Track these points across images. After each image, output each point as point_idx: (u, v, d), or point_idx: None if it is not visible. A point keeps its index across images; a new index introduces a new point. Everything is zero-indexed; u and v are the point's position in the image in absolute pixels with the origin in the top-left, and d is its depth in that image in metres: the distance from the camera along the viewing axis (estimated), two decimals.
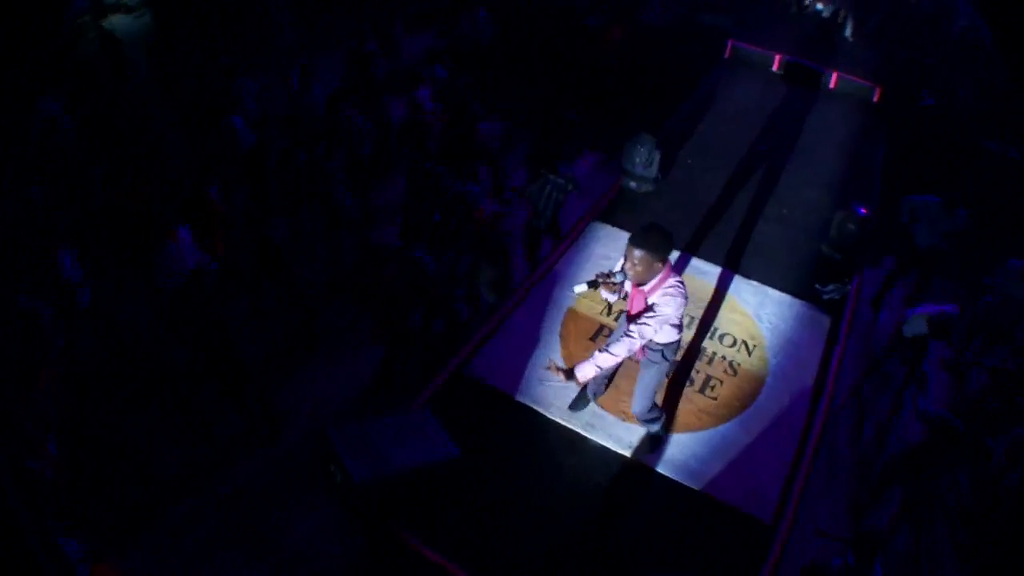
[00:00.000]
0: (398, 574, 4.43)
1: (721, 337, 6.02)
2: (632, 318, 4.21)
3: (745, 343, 5.98)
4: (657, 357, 4.43)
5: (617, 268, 4.24)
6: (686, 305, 4.16)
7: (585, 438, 5.10)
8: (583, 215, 7.33)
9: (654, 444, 5.03)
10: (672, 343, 4.39)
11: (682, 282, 4.11)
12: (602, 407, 5.28)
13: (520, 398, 5.31)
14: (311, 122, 7.87)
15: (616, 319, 5.74)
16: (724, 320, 6.19)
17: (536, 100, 9.43)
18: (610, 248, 6.80)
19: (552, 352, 5.65)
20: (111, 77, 8.55)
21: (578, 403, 5.25)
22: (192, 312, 5.29)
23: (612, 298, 4.32)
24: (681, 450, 5.07)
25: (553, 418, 5.20)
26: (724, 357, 5.82)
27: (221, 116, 7.17)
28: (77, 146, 6.93)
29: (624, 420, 5.17)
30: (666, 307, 4.02)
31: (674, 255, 5.80)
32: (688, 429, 5.22)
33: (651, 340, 4.19)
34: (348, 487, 4.01)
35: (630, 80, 9.82)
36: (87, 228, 6.32)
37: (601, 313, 6.02)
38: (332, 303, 6.47)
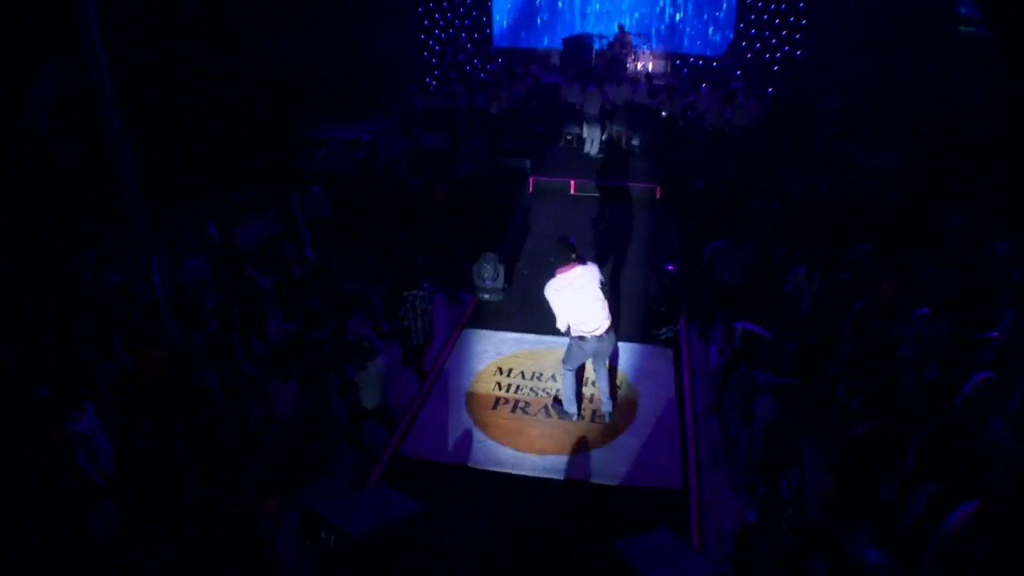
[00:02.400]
0: None
1: (593, 383, 7.49)
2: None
3: (618, 382, 7.49)
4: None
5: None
6: (560, 292, 6.20)
7: (516, 475, 6.24)
8: (454, 327, 8.74)
9: (572, 466, 6.28)
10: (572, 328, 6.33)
11: (566, 275, 6.22)
12: (519, 450, 6.48)
13: (449, 460, 6.41)
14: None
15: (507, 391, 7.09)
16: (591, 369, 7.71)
17: (388, 254, 10.99)
18: (483, 344, 8.23)
19: (465, 423, 6.85)
20: None
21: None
22: None
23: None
24: (595, 463, 6.34)
25: (480, 467, 6.34)
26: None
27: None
28: None
29: (540, 454, 6.40)
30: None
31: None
32: (594, 447, 6.53)
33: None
34: (345, 546, 4.84)
35: (457, 222, 11.71)
36: None
37: (493, 389, 7.33)
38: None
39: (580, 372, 7.04)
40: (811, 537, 5.35)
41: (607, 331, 6.53)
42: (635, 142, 14.84)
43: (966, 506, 5.17)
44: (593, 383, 7.34)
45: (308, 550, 5.06)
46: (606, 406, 6.92)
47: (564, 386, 6.84)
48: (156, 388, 6.96)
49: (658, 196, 12.98)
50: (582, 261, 6.40)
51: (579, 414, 6.94)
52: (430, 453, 6.50)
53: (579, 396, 7.00)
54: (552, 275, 6.40)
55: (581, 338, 6.46)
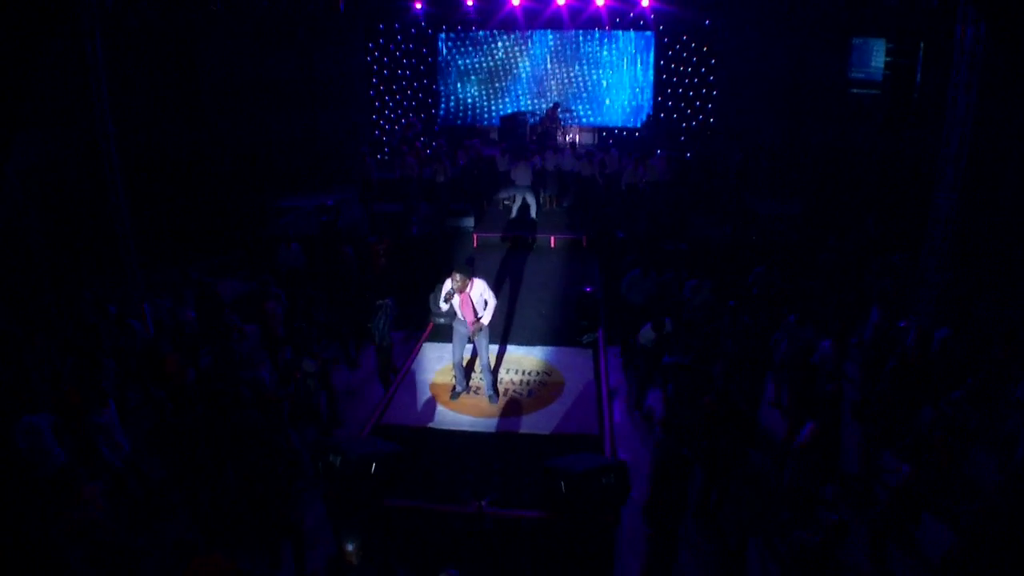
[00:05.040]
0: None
1: (528, 373, 9.76)
2: (469, 308, 8.49)
3: (547, 372, 9.78)
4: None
5: (445, 289, 8.38)
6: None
7: (474, 432, 8.40)
8: (416, 343, 10.96)
9: (516, 424, 8.48)
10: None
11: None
12: (473, 416, 8.67)
13: (418, 424, 8.58)
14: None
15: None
16: (529, 364, 9.99)
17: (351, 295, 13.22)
18: (439, 353, 10.43)
19: (430, 401, 9.03)
20: None
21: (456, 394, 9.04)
22: None
23: (456, 299, 8.36)
24: (533, 422, 8.59)
25: (443, 428, 8.52)
26: (535, 382, 9.54)
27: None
28: None
29: (490, 418, 8.62)
30: (484, 287, 8.38)
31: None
32: (531, 411, 8.79)
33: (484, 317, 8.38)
34: (347, 465, 6.90)
35: (402, 271, 14.12)
36: None
37: (449, 380, 9.51)
38: None
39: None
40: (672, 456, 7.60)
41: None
42: (565, 203, 17.55)
43: (807, 428, 7.67)
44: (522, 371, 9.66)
45: (320, 471, 7.13)
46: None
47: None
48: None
49: (584, 244, 15.57)
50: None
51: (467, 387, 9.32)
52: (404, 420, 8.64)
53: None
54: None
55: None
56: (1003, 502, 7.56)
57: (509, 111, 22.28)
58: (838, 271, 13.51)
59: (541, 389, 9.39)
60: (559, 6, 20.31)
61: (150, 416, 9.80)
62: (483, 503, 6.98)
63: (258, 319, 11.66)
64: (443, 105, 23.09)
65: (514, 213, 17.37)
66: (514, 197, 17.77)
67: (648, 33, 21.63)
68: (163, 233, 15.67)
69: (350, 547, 6.01)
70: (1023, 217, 13.72)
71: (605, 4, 20.13)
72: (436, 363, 10.14)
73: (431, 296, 11.68)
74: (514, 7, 20.35)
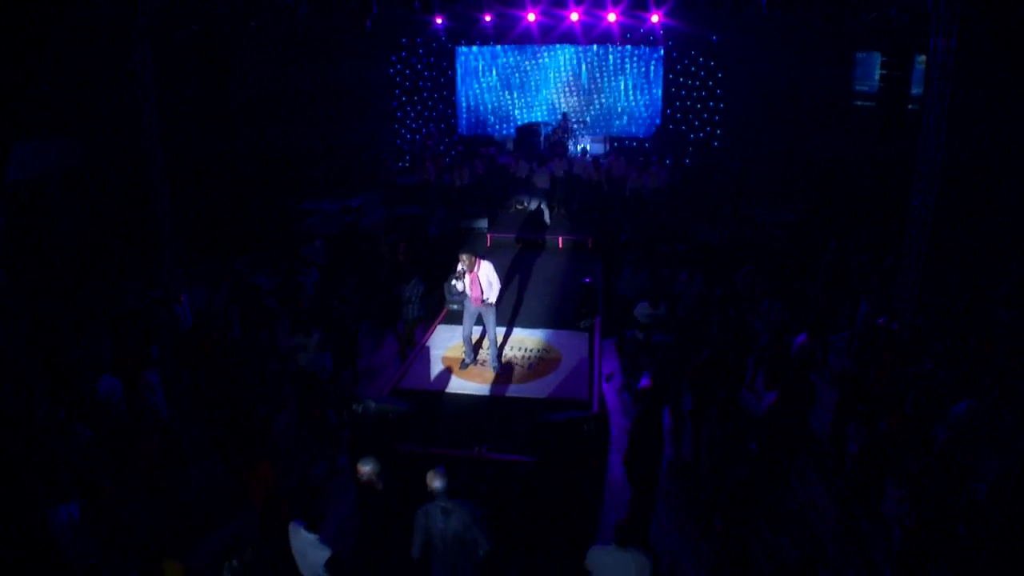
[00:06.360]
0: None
1: (530, 350, 10.98)
2: (477, 287, 9.56)
3: (547, 350, 10.99)
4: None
5: (458, 271, 9.50)
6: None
7: (478, 396, 9.61)
8: (431, 324, 12.23)
9: (517, 390, 9.68)
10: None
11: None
12: (480, 383, 9.88)
13: (431, 388, 9.81)
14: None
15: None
16: (531, 343, 11.22)
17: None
18: (452, 332, 11.65)
19: (442, 371, 10.27)
20: None
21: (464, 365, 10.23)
22: None
23: (460, 285, 9.38)
24: (529, 388, 9.78)
25: (454, 392, 9.74)
26: (535, 358, 10.74)
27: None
28: None
29: (494, 384, 9.83)
30: (490, 269, 9.41)
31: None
32: (529, 380, 10.00)
33: (490, 297, 9.41)
34: (367, 412, 8.14)
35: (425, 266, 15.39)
36: None
37: (460, 354, 10.72)
38: None
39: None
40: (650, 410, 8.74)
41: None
42: (574, 208, 18.80)
43: (768, 396, 8.78)
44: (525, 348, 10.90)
45: (344, 419, 8.37)
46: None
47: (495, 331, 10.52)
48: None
49: (589, 245, 16.76)
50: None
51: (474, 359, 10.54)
52: (418, 385, 9.89)
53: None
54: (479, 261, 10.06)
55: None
56: (945, 458, 8.59)
57: (524, 121, 23.65)
58: (836, 274, 14.61)
59: (540, 364, 10.59)
60: (573, 22, 21.62)
61: (184, 389, 11.07)
62: (482, 449, 8.18)
63: (288, 307, 12.99)
64: (461, 116, 24.49)
65: (526, 216, 18.61)
66: (526, 201, 19.04)
67: (658, 48, 22.92)
68: (197, 231, 17.09)
69: (366, 467, 7.14)
70: (998, 217, 14.75)
71: (617, 20, 21.40)
72: (448, 341, 11.36)
73: (446, 285, 13.02)
74: (530, 23, 21.69)
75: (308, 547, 6.05)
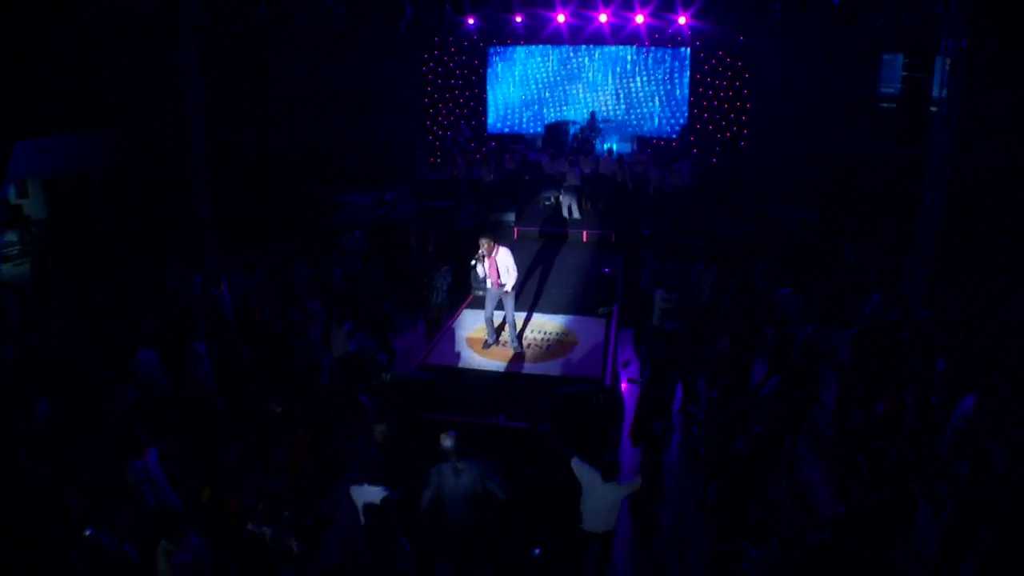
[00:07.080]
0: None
1: (549, 333, 11.70)
2: (495, 271, 10.27)
3: (565, 333, 11.70)
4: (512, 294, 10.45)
5: (479, 254, 10.28)
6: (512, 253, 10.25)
7: (499, 372, 10.35)
8: (459, 309, 13.00)
9: (536, 368, 10.40)
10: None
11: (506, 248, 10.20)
12: (501, 362, 10.60)
13: (455, 365, 10.56)
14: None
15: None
16: (550, 327, 11.94)
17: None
18: (476, 317, 12.37)
19: (466, 350, 11.02)
20: None
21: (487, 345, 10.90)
22: None
23: (480, 269, 10.18)
24: (546, 367, 10.51)
25: (476, 368, 10.49)
26: (554, 340, 11.46)
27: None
28: None
29: (513, 362, 10.56)
30: (508, 257, 9.99)
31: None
32: (547, 359, 10.73)
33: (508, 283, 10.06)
34: (394, 381, 8.91)
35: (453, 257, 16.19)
36: None
37: (483, 335, 11.47)
38: None
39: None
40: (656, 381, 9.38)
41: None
42: (599, 204, 19.48)
43: (773, 379, 9.38)
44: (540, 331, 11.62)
45: (373, 387, 9.16)
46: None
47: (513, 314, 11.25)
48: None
49: (612, 239, 17.44)
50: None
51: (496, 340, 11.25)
52: (443, 362, 10.68)
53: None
54: (498, 247, 10.72)
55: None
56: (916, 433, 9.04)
57: (553, 120, 24.38)
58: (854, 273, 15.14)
59: (558, 345, 11.32)
60: (601, 23, 22.21)
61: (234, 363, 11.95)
62: (501, 417, 8.91)
63: (322, 296, 13.85)
64: (492, 113, 25.28)
65: (553, 210, 19.33)
66: (553, 197, 19.74)
67: (685, 49, 23.50)
68: (235, 221, 18.02)
69: (379, 428, 7.89)
70: (1006, 214, 15.13)
71: (644, 22, 21.94)
72: (474, 323, 12.12)
73: (471, 273, 13.81)
74: (559, 24, 22.35)
75: (374, 498, 6.70)
